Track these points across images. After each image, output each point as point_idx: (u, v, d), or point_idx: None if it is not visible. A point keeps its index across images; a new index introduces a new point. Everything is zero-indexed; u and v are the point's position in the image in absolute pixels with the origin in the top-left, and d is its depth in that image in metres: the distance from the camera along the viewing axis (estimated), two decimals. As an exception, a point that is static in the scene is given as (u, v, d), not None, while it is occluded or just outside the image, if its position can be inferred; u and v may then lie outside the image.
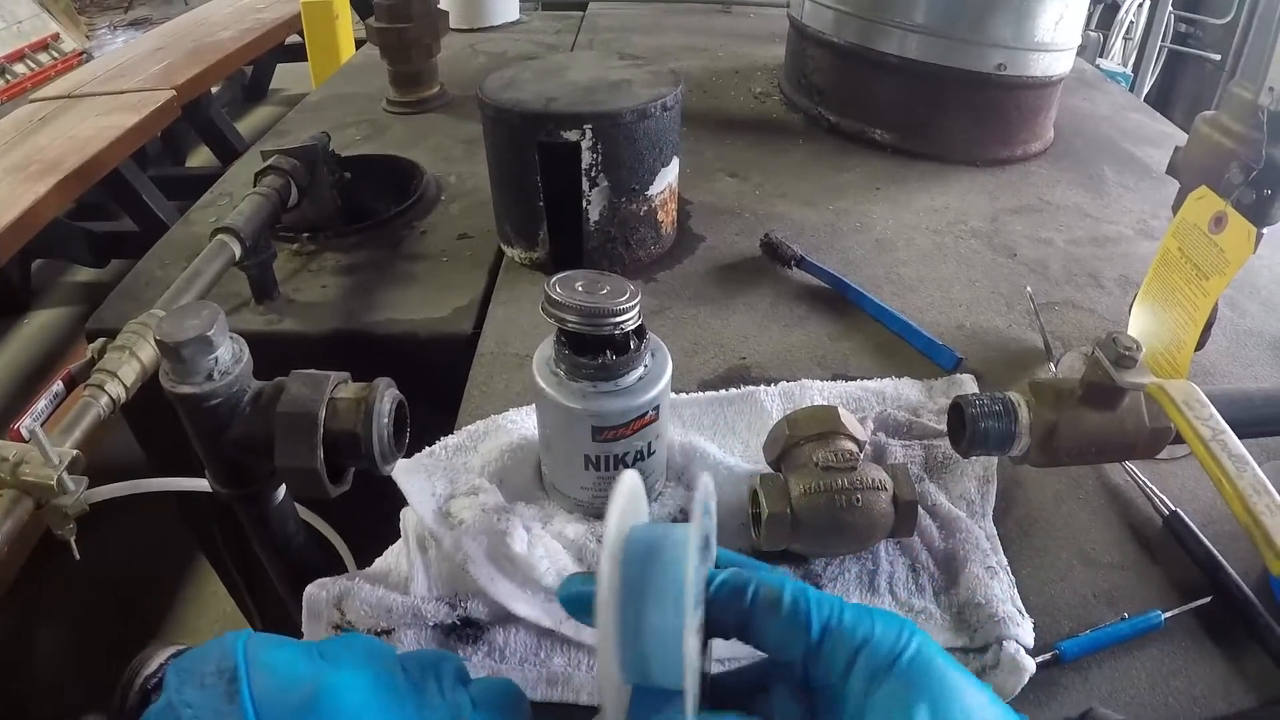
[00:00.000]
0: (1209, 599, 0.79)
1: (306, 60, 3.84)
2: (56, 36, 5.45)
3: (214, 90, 4.06)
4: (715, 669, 0.54)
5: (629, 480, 0.50)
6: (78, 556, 0.84)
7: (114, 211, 3.37)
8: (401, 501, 0.80)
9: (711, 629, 0.47)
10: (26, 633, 2.26)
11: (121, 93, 3.28)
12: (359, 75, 2.12)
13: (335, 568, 0.90)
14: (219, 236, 1.09)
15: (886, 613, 0.46)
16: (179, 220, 1.46)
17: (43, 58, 5.36)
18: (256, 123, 5.16)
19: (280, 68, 5.44)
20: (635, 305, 0.72)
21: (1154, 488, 0.90)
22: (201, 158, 4.48)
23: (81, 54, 5.47)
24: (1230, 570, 0.81)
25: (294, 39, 4.32)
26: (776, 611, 0.46)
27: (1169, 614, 0.77)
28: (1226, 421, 0.72)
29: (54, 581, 2.28)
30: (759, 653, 0.48)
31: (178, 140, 4.32)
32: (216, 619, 2.27)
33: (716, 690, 0.52)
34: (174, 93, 3.27)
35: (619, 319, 0.71)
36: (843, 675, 0.44)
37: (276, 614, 1.50)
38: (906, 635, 0.45)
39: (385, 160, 1.57)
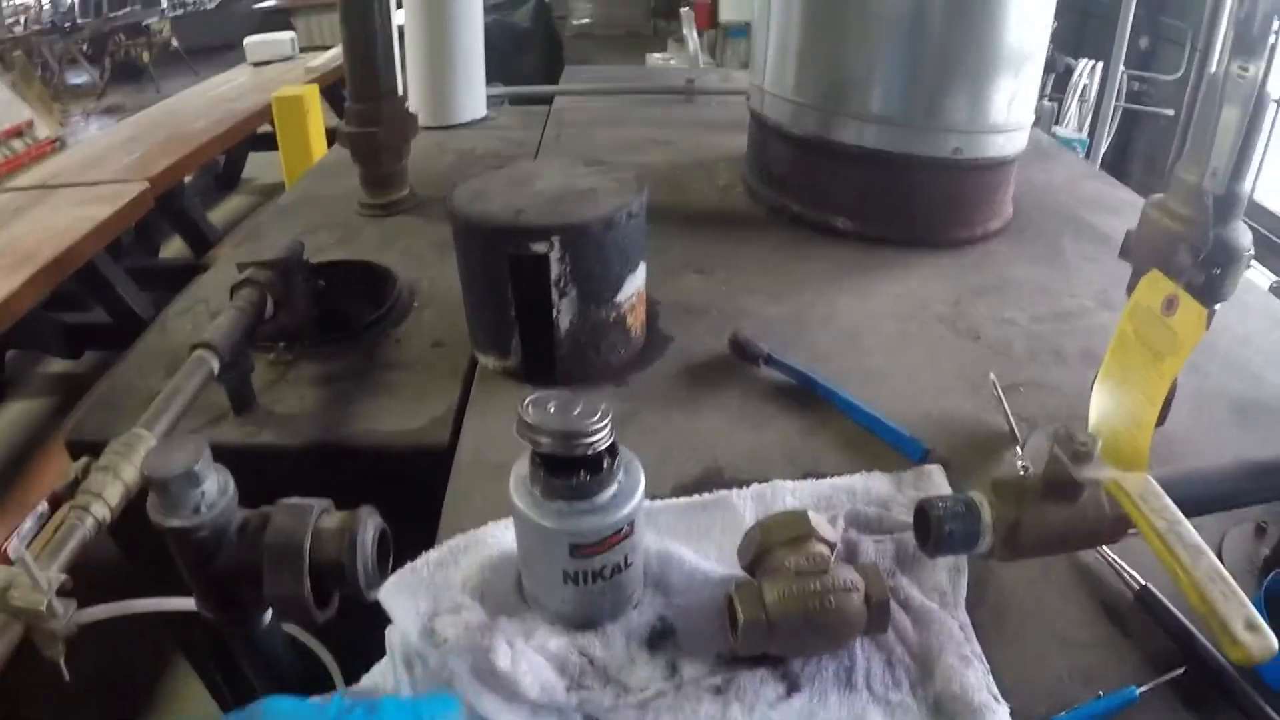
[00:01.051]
0: (1183, 670, 0.81)
1: (278, 149, 3.88)
2: (30, 124, 5.46)
3: (187, 180, 4.09)
4: None
5: None
6: (68, 678, 0.84)
7: (87, 302, 3.37)
8: (387, 616, 0.82)
9: None
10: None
11: (96, 183, 3.31)
12: (331, 175, 2.15)
13: (325, 683, 0.91)
14: (197, 352, 1.10)
15: None
16: (155, 327, 1.47)
17: (16, 144, 5.37)
18: (229, 211, 5.20)
19: (252, 156, 5.48)
20: (607, 425, 0.74)
21: (1124, 564, 0.92)
22: (174, 248, 4.50)
23: (55, 141, 5.49)
24: (1203, 640, 0.83)
25: (266, 128, 4.36)
26: None
27: (1144, 688, 0.79)
28: (1184, 502, 0.75)
29: (32, 677, 2.25)
30: None
31: (151, 230, 4.34)
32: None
33: None
34: (148, 184, 3.30)
35: (591, 440, 0.73)
36: None
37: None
38: None
39: (359, 266, 1.59)
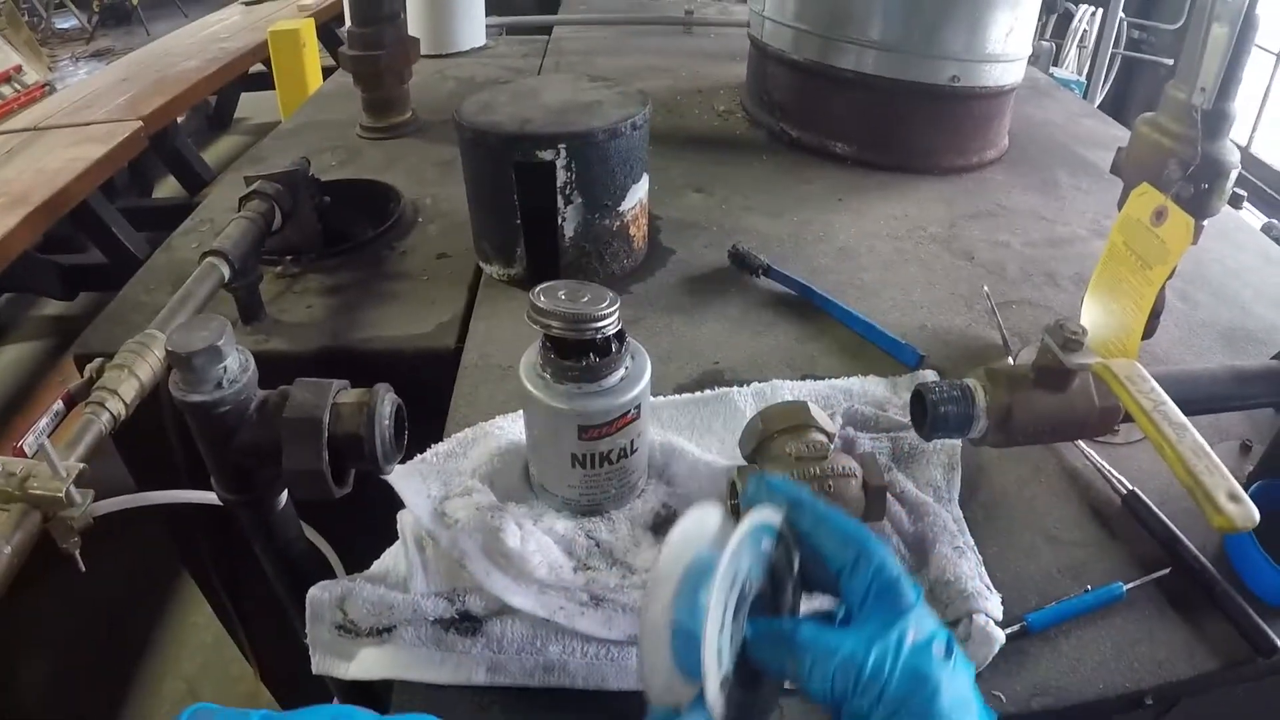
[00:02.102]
0: (1168, 570, 0.84)
1: (270, 89, 3.85)
2: (19, 69, 5.40)
3: (179, 120, 4.06)
4: None
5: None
6: (83, 569, 0.86)
7: (82, 243, 3.36)
8: (390, 513, 0.84)
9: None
10: (6, 662, 2.26)
11: (88, 124, 3.28)
12: (331, 102, 2.16)
13: (328, 576, 0.94)
14: (209, 259, 1.12)
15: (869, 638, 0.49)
16: (161, 247, 1.47)
17: (5, 90, 5.33)
18: (222, 152, 5.17)
19: (244, 97, 5.44)
20: (615, 310, 0.77)
21: (1112, 470, 0.95)
22: (168, 188, 4.48)
23: (44, 86, 5.44)
24: (1187, 542, 0.86)
25: (258, 68, 4.33)
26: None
27: (1130, 585, 0.82)
28: (1173, 400, 0.77)
29: (31, 614, 2.28)
30: None
31: (145, 171, 4.31)
32: (198, 650, 2.28)
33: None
34: (141, 123, 3.27)
35: (600, 323, 0.75)
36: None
37: (263, 635, 1.52)
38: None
39: (363, 184, 1.60)
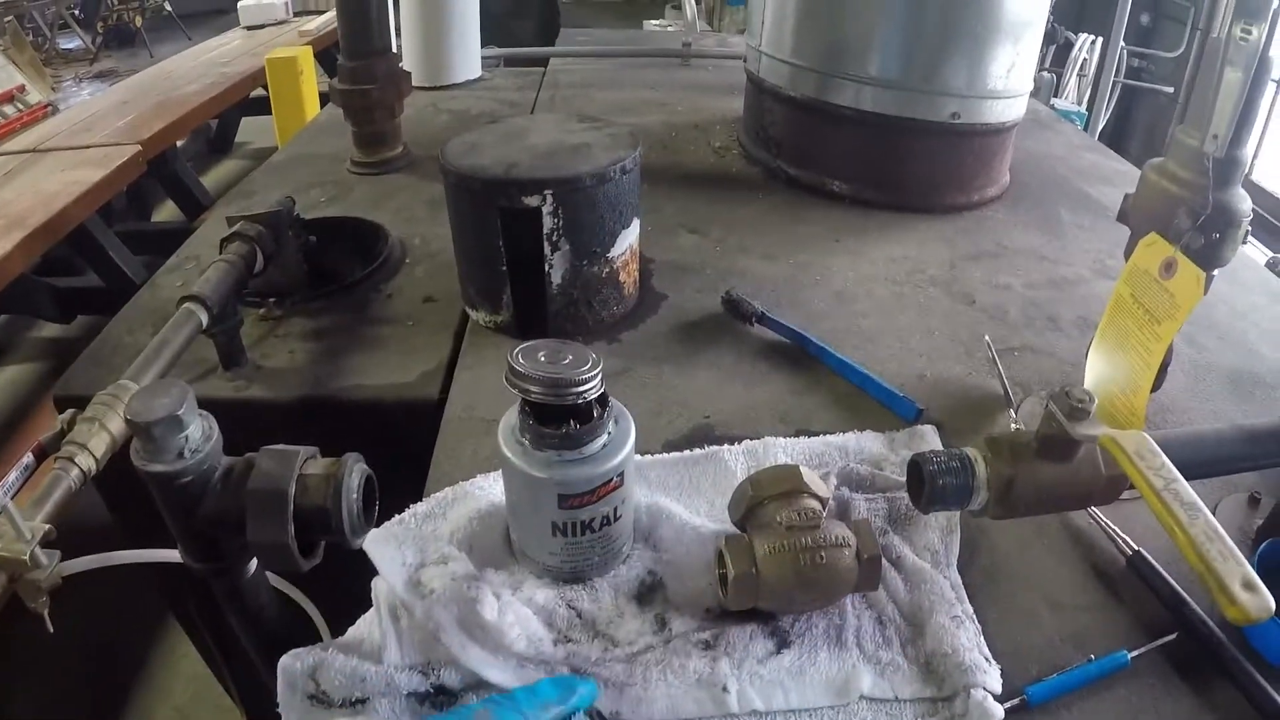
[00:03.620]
0: (1175, 636, 0.81)
1: (271, 114, 3.85)
2: (22, 89, 5.42)
3: (179, 144, 4.06)
4: None
5: None
6: (51, 629, 0.83)
7: (79, 267, 3.36)
8: (373, 566, 0.81)
9: None
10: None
11: (87, 147, 3.29)
12: (323, 135, 2.14)
13: (309, 633, 0.91)
14: (186, 305, 1.09)
15: None
16: (145, 285, 1.45)
17: (8, 110, 5.34)
18: (222, 176, 5.18)
19: (245, 121, 5.46)
20: (597, 374, 0.74)
21: (1116, 529, 0.92)
22: (167, 212, 4.49)
23: (47, 106, 5.46)
24: (1195, 606, 0.82)
25: (259, 93, 4.34)
26: None
27: (1136, 653, 0.79)
28: (1181, 464, 0.73)
29: (24, 643, 2.26)
30: None
31: (144, 195, 4.32)
32: (190, 680, 2.25)
33: None
34: (139, 148, 3.28)
35: (581, 389, 0.73)
36: None
37: (251, 678, 1.49)
38: None
39: (350, 223, 1.57)
